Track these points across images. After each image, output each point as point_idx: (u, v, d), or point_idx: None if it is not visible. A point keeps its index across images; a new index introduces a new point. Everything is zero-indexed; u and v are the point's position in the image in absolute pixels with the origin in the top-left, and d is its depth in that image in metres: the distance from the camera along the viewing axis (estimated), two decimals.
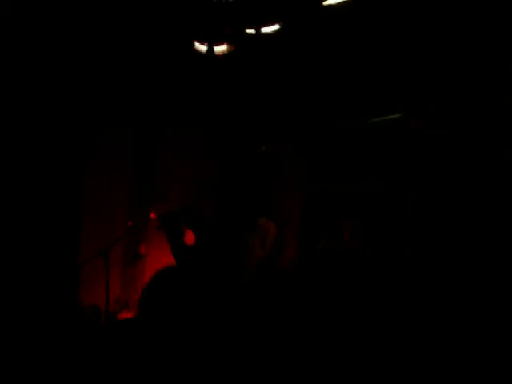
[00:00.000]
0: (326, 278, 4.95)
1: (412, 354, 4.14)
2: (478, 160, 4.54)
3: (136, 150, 6.09)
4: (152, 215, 5.48)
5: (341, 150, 5.80)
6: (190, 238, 5.16)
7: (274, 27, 3.97)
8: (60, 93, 5.40)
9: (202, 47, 4.09)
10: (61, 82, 5.37)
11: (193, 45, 4.25)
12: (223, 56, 4.10)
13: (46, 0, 4.50)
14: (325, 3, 3.93)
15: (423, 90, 5.02)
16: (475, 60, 4.60)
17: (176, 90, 5.89)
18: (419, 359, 4.09)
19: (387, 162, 5.37)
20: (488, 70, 4.51)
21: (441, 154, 4.83)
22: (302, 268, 5.25)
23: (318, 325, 4.56)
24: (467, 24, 4.52)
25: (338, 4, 4.11)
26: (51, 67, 5.22)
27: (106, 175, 5.81)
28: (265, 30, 3.94)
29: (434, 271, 4.56)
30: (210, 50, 4.06)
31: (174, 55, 5.18)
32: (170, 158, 6.09)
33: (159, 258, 5.56)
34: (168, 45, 4.98)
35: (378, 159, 5.47)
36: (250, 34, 3.95)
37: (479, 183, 4.50)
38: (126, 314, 5.71)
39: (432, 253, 4.68)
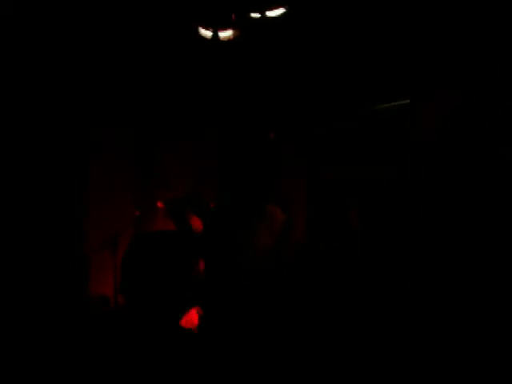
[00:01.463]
0: (328, 274, 4.96)
1: (413, 351, 4.14)
2: (478, 160, 4.54)
3: (137, 150, 6.12)
4: (159, 204, 5.49)
5: (346, 141, 5.80)
6: (196, 225, 5.15)
7: (279, 11, 3.96)
8: (60, 93, 5.41)
9: (207, 33, 4.09)
10: (61, 82, 5.37)
11: (197, 31, 4.23)
12: (228, 41, 4.10)
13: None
14: None
15: (429, 79, 5.02)
16: (478, 53, 4.60)
17: (176, 88, 5.89)
18: (420, 357, 4.08)
19: (391, 153, 5.37)
20: (490, 67, 4.50)
21: (441, 154, 4.85)
22: (306, 263, 5.26)
23: (318, 321, 4.57)
24: (472, 13, 4.52)
25: None
26: (51, 67, 5.23)
27: (111, 169, 5.84)
28: (270, 13, 3.94)
29: (436, 268, 4.57)
30: (215, 35, 4.06)
31: (176, 49, 5.18)
32: (170, 157, 6.11)
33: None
34: (171, 37, 4.98)
35: (382, 150, 5.48)
36: (255, 19, 3.94)
37: (480, 183, 4.50)
38: None
39: (433, 249, 4.68)
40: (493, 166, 4.44)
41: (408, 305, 4.50)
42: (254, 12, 3.91)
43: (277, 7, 3.93)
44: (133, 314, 4.72)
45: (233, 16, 3.94)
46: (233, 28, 4.06)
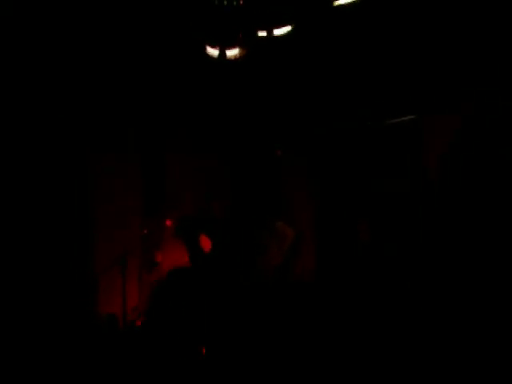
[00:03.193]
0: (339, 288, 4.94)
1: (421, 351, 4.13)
2: (479, 160, 4.53)
3: (144, 169, 6.10)
4: (168, 223, 5.49)
5: (355, 153, 5.81)
6: (205, 243, 5.15)
7: (286, 29, 3.95)
8: (63, 95, 5.40)
9: (213, 51, 4.08)
10: (65, 85, 5.36)
11: (204, 49, 4.23)
12: (235, 60, 4.09)
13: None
14: (335, 3, 3.91)
15: (434, 92, 5.02)
16: (481, 61, 4.60)
17: (185, 93, 5.89)
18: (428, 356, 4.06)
19: (402, 166, 5.38)
20: (492, 72, 4.51)
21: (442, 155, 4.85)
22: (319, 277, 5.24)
23: (325, 331, 4.56)
24: (480, 25, 4.52)
25: (349, 4, 4.10)
26: (53, 68, 5.22)
27: (120, 188, 5.82)
28: (276, 32, 3.93)
29: (448, 280, 4.55)
30: (223, 54, 4.05)
31: (183, 58, 5.19)
32: (177, 174, 6.09)
33: (175, 265, 5.55)
34: (177, 47, 4.99)
35: (392, 163, 5.49)
36: (262, 37, 3.94)
37: (481, 183, 4.49)
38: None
39: (438, 251, 4.67)
40: (504, 178, 4.43)
41: (420, 316, 4.47)
42: (261, 30, 3.91)
43: (283, 25, 3.93)
44: (155, 335, 4.77)
45: (240, 34, 3.94)
46: (240, 46, 4.05)
